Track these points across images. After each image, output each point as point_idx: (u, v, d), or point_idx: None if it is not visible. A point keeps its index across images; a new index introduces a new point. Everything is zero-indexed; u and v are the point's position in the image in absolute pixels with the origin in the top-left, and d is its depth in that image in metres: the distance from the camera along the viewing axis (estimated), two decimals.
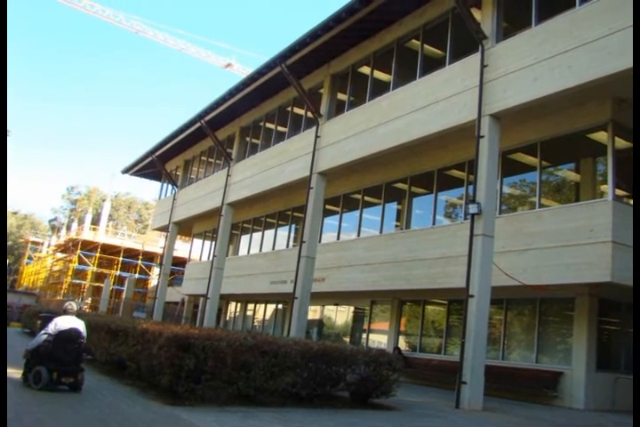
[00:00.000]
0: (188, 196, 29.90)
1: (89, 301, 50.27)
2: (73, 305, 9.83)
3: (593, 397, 13.19)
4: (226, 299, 29.51)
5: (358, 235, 20.13)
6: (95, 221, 59.26)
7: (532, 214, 14.08)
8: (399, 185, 19.05)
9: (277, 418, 8.06)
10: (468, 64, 13.89)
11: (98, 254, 50.37)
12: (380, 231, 19.18)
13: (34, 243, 73.82)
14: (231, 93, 22.15)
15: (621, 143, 13.14)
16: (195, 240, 34.50)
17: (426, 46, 16.16)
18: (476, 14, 13.86)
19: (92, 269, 50.95)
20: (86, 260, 50.61)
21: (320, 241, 20.08)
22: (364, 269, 18.44)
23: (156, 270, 49.32)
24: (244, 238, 28.69)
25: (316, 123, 18.99)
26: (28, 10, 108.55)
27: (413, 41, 16.55)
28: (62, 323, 9.26)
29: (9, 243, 75.64)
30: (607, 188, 12.75)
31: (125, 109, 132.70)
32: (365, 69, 18.39)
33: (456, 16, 14.54)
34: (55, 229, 75.16)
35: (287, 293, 19.05)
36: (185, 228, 32.44)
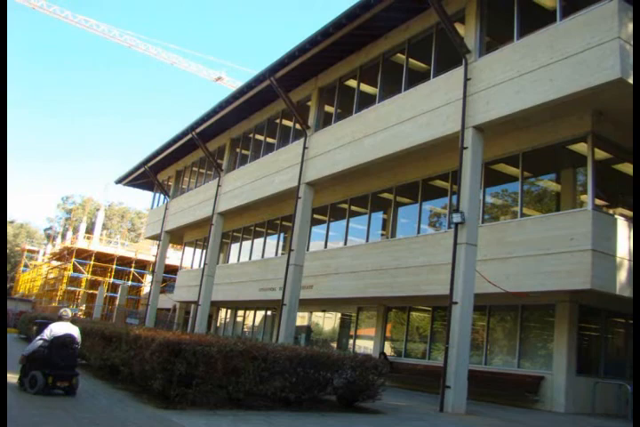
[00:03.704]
0: (179, 205, 30.11)
1: (83, 307, 50.35)
2: (68, 312, 10.03)
3: (573, 400, 13.37)
4: (216, 306, 29.67)
5: (345, 243, 20.36)
6: (89, 230, 59.39)
7: (513, 223, 14.28)
8: (385, 195, 19.31)
9: (266, 421, 8.22)
10: (452, 77, 14.11)
11: (92, 262, 50.48)
12: (367, 240, 19.44)
13: (30, 251, 73.74)
14: (221, 106, 22.42)
15: (601, 154, 13.38)
16: (186, 248, 34.68)
17: (411, 60, 16.39)
18: (460, 29, 14.09)
19: (86, 276, 50.89)
20: (81, 268, 50.59)
21: (308, 249, 20.34)
22: (350, 276, 18.68)
23: (148, 278, 49.34)
24: (234, 247, 28.91)
25: (304, 134, 19.25)
26: (23, 23, 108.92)
27: (398, 55, 16.81)
28: (57, 329, 9.44)
29: None
30: (587, 197, 12.92)
31: (119, 121, 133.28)
32: (352, 82, 18.66)
33: (440, 31, 14.80)
34: (50, 237, 74.94)
35: (276, 299, 19.27)
36: (176, 236, 32.62)
